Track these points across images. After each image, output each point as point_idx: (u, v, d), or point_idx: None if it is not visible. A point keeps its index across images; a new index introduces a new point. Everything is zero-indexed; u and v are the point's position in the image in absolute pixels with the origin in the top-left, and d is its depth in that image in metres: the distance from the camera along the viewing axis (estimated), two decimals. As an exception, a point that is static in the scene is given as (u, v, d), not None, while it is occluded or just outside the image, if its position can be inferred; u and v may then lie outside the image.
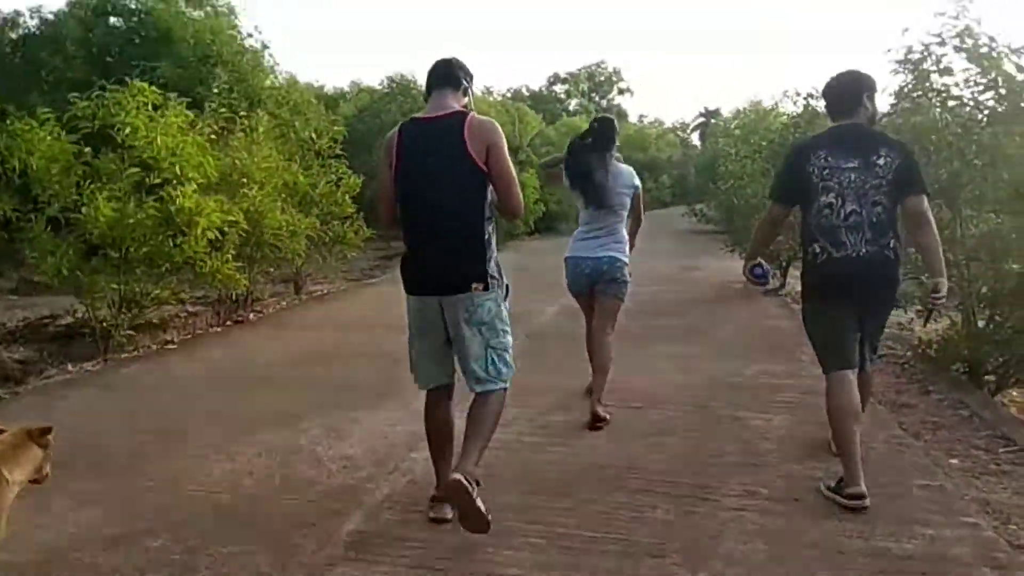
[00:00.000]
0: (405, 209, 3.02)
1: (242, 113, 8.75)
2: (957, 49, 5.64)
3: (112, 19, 13.91)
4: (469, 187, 2.93)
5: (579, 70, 43.44)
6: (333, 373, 5.64)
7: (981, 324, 5.80)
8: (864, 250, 3.29)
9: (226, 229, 6.82)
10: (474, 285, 2.92)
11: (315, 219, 8.44)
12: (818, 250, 3.38)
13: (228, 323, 7.32)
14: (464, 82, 3.12)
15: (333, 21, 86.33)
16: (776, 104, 13.78)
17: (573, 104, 40.19)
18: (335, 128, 9.73)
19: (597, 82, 44.66)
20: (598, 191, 4.47)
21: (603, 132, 4.57)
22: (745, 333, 7.13)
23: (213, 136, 7.44)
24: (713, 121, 41.72)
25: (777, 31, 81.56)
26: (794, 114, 10.22)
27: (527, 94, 39.59)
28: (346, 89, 25.41)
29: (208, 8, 14.73)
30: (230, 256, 6.88)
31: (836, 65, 4.27)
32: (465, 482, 2.70)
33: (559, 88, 41.96)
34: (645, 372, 5.56)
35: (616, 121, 4.87)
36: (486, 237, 2.97)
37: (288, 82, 14.16)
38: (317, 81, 22.70)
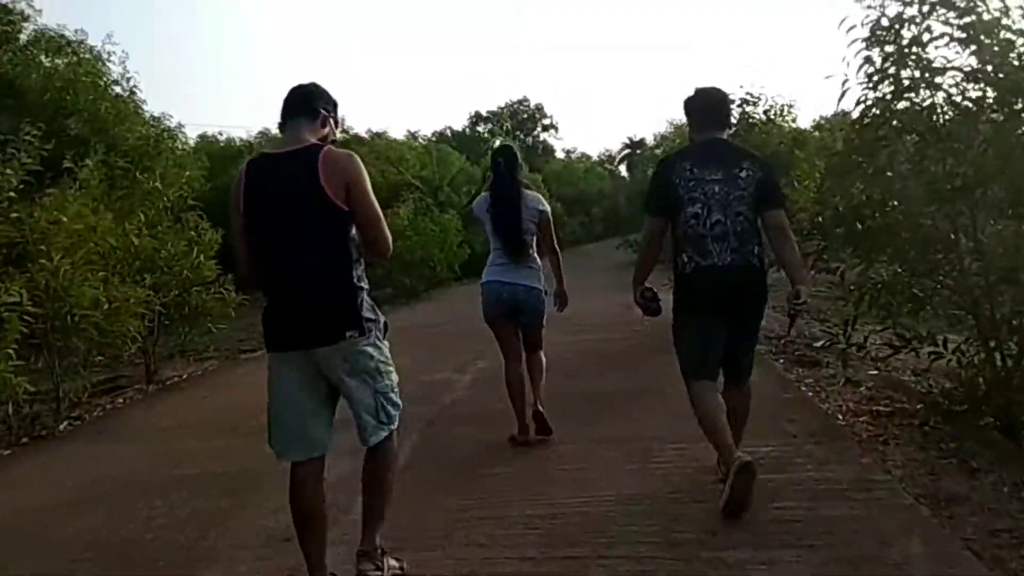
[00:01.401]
0: (259, 257, 2.70)
1: (66, 164, 6.95)
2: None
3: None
4: (328, 228, 2.63)
5: (501, 108, 42.55)
6: (130, 522, 3.76)
7: (1010, 362, 4.37)
8: (729, 259, 3.32)
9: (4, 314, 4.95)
10: (348, 334, 2.62)
11: (148, 290, 6.50)
12: (686, 259, 3.41)
13: (24, 440, 5.33)
14: (323, 111, 2.77)
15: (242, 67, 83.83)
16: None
17: (497, 143, 39.03)
18: (187, 174, 7.91)
19: (520, 120, 43.70)
20: (508, 217, 4.40)
21: (508, 159, 4.49)
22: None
23: (12, 193, 5.62)
24: (639, 151, 41.14)
25: (688, 44, 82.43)
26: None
27: (450, 135, 38.25)
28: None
29: (70, 57, 12.90)
30: (10, 351, 4.97)
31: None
32: None
33: (482, 128, 40.76)
34: (588, 488, 3.81)
35: (516, 147, 4.79)
36: (354, 280, 2.68)
37: (159, 127, 12.21)
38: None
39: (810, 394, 5.52)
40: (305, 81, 2.86)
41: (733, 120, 3.87)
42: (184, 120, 27.16)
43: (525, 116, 43.94)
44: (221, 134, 25.37)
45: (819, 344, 7.40)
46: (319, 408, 2.72)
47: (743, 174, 3.38)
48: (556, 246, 4.66)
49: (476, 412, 5.45)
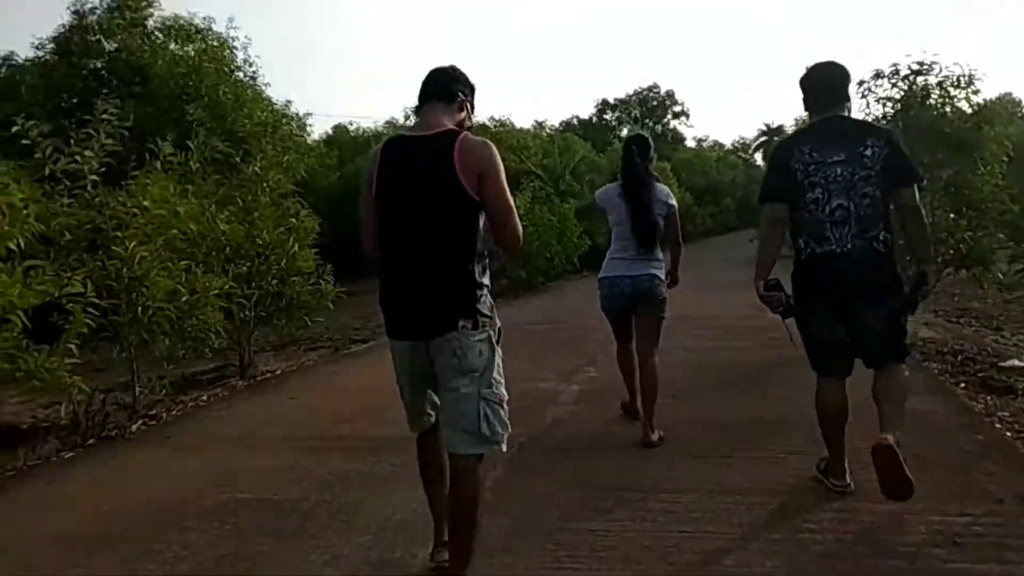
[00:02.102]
0: (382, 238, 2.58)
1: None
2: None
3: (74, 59, 12.13)
4: (456, 217, 2.48)
5: (629, 95, 41.04)
6: (151, 563, 3.14)
7: None
8: (850, 244, 3.15)
9: (67, 306, 4.52)
10: (461, 323, 2.45)
11: (231, 280, 5.98)
12: (802, 245, 3.27)
13: (91, 441, 4.91)
14: (460, 95, 2.66)
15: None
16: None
17: (625, 131, 37.62)
18: (286, 158, 7.43)
19: (650, 107, 42.03)
20: (640, 206, 4.33)
21: (641, 147, 4.44)
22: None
23: (93, 176, 5.24)
24: (776, 138, 38.67)
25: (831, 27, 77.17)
26: (891, 98, 7.35)
27: (577, 124, 37.28)
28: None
29: (198, 43, 12.98)
30: (73, 345, 4.53)
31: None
32: None
33: (610, 116, 39.47)
34: (714, 563, 2.88)
35: (646, 135, 4.71)
36: (475, 274, 2.51)
37: (277, 113, 12.02)
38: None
39: (1008, 434, 4.28)
40: (446, 64, 2.74)
41: (849, 96, 3.39)
42: (322, 111, 28.06)
43: (655, 103, 42.25)
44: (351, 124, 25.73)
45: (1007, 364, 6.02)
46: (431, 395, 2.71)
47: (868, 152, 3.16)
48: (680, 239, 4.61)
49: (578, 436, 4.58)
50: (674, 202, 4.52)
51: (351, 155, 21.92)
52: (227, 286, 5.86)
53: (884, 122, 7.26)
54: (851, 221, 3.16)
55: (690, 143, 43.18)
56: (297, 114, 17.78)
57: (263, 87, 13.49)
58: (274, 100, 13.07)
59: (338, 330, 11.50)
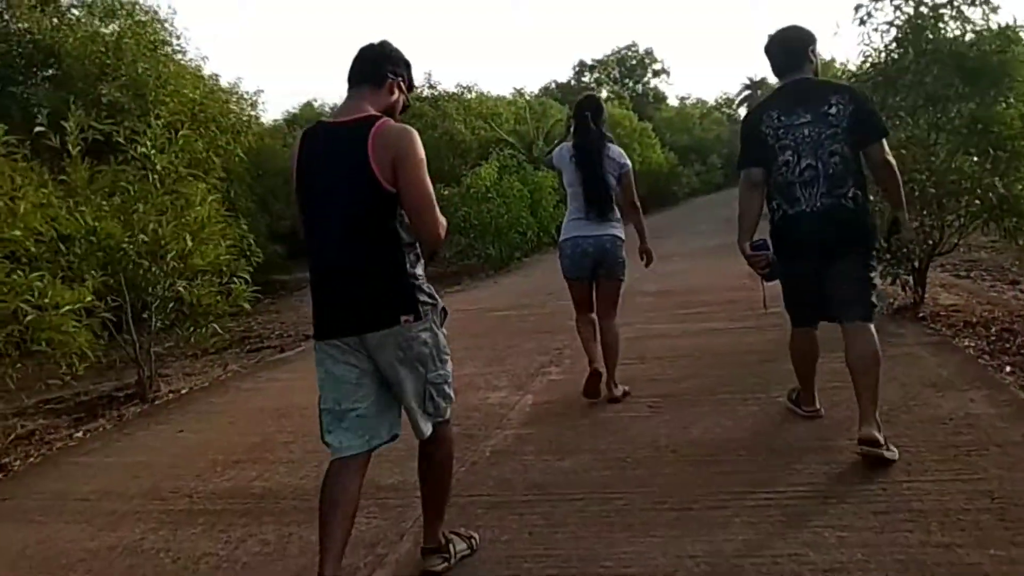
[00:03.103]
0: (307, 233, 2.44)
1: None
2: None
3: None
4: (373, 207, 2.34)
5: (607, 55, 39.38)
6: None
7: None
8: (819, 203, 3.20)
9: None
10: (403, 318, 2.34)
11: (87, 289, 4.71)
12: (775, 207, 3.33)
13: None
14: (390, 76, 2.50)
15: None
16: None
17: (604, 92, 36.11)
18: (181, 134, 6.20)
19: (629, 66, 40.40)
20: (591, 168, 4.27)
21: (593, 109, 4.35)
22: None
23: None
24: (760, 92, 37.26)
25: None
26: (894, 23, 6.09)
27: (556, 88, 35.77)
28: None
29: (124, 19, 11.60)
30: None
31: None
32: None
33: (588, 77, 37.86)
34: None
35: (597, 96, 4.73)
36: (406, 264, 2.38)
37: (208, 89, 10.70)
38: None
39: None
40: (376, 41, 2.58)
41: (812, 58, 3.38)
42: (301, 89, 26.54)
43: (634, 62, 40.58)
44: (316, 100, 24.29)
45: (1055, 335, 4.90)
46: (374, 396, 2.42)
47: (832, 110, 3.20)
48: (636, 201, 4.47)
49: (519, 480, 3.40)
50: (627, 162, 4.39)
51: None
52: (87, 298, 4.62)
53: (886, 53, 6.10)
54: (820, 180, 3.19)
55: (672, 102, 41.73)
56: (243, 92, 16.71)
57: (200, 62, 12.26)
58: (210, 76, 11.79)
59: (293, 325, 10.36)
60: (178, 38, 11.71)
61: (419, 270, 2.44)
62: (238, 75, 31.75)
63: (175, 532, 3.23)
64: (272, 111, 44.92)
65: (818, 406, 3.70)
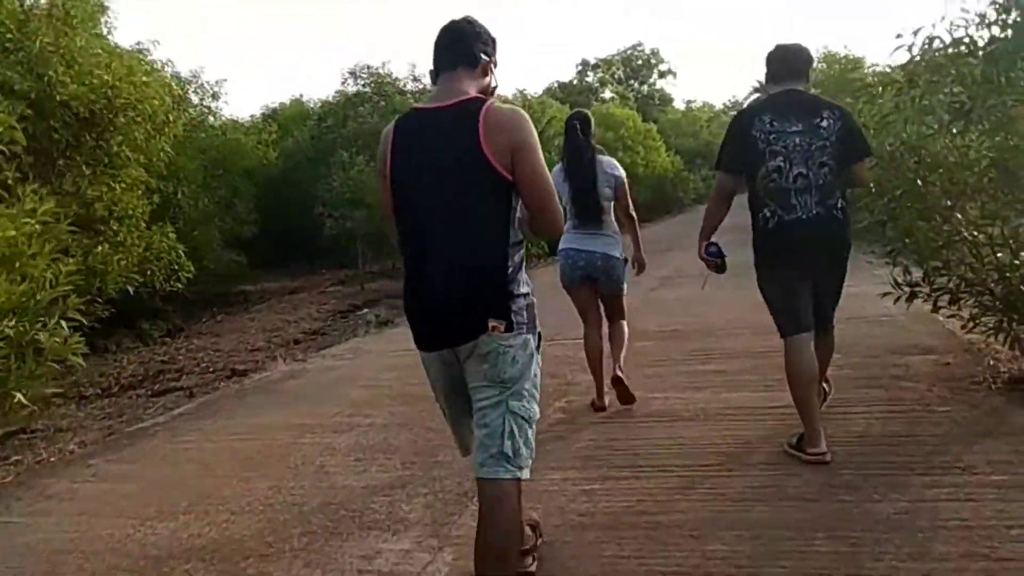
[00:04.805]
0: (401, 228, 2.19)
1: None
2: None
3: None
4: (485, 200, 2.07)
5: (612, 55, 37.31)
6: None
7: None
8: (814, 211, 3.20)
9: None
10: (492, 324, 2.04)
11: None
12: (768, 214, 3.26)
13: None
14: (483, 56, 2.23)
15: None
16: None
17: (608, 92, 34.16)
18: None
19: (634, 67, 38.39)
20: (583, 180, 4.20)
21: (582, 121, 4.31)
22: None
23: None
24: (770, 94, 35.21)
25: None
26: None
27: (558, 88, 33.88)
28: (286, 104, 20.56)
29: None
30: None
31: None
32: None
33: (592, 77, 35.86)
34: None
35: (588, 113, 4.50)
36: (509, 268, 2.09)
37: (136, 70, 8.75)
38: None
39: None
40: (459, 18, 2.28)
41: (809, 74, 3.47)
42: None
43: (639, 63, 38.56)
44: (302, 96, 22.39)
45: None
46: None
47: (824, 123, 3.23)
48: (632, 212, 4.43)
49: None
50: (621, 172, 4.34)
51: (296, 129, 18.76)
52: None
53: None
54: (812, 189, 3.18)
55: (679, 104, 39.79)
56: (203, 81, 14.84)
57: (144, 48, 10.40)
58: (132, 53, 9.87)
59: (225, 355, 8.50)
60: (105, 11, 9.86)
61: (523, 275, 2.16)
62: (200, 64, 29.67)
63: None
64: (253, 107, 42.74)
65: (824, 448, 3.21)
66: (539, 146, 2.09)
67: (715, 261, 3.46)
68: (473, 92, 2.15)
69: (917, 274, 4.35)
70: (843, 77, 13.22)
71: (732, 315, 6.18)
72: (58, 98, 7.67)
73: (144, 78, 8.81)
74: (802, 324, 3.30)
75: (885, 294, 4.41)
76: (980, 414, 3.60)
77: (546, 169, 2.12)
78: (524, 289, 2.14)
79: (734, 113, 5.00)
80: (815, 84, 14.39)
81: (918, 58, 4.26)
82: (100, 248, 7.68)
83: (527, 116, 2.11)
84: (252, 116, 19.88)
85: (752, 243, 3.37)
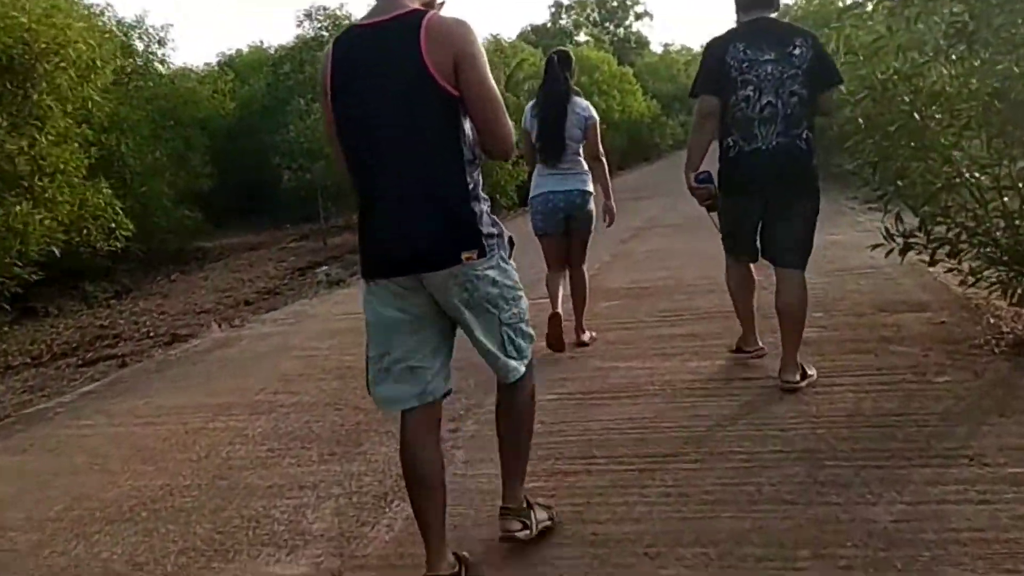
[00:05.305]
0: (348, 155, 2.04)
1: None
2: None
3: None
4: (434, 118, 1.93)
5: (586, -4, 35.91)
6: None
7: None
8: (775, 142, 3.16)
9: None
10: (465, 255, 1.94)
11: None
12: (731, 143, 3.26)
13: None
14: None
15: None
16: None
17: (582, 35, 32.97)
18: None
19: (609, 8, 37.06)
20: (555, 117, 4.11)
21: (561, 58, 4.25)
22: None
23: None
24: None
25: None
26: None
27: (531, 31, 32.67)
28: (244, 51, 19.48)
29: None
30: None
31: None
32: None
33: (566, 20, 34.56)
34: None
35: (571, 53, 4.49)
36: (468, 183, 1.96)
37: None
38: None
39: None
40: None
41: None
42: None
43: (614, 4, 37.21)
44: (262, 43, 21.23)
45: None
46: (432, 344, 2.07)
47: (796, 51, 3.17)
48: (601, 156, 4.30)
49: None
50: (593, 114, 4.24)
51: (254, 77, 17.76)
52: None
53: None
54: (778, 119, 3.15)
55: (656, 48, 38.63)
56: (147, 27, 13.81)
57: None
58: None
59: (170, 318, 7.89)
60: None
61: (482, 194, 2.01)
62: (144, 8, 27.91)
63: None
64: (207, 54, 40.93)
65: (760, 344, 3.62)
66: (483, 56, 1.94)
67: (706, 188, 3.35)
68: (415, 4, 1.98)
69: (911, 222, 3.81)
70: (823, 9, 12.49)
71: (709, 269, 5.56)
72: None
73: (67, 20, 7.95)
74: (742, 248, 3.42)
75: (875, 246, 3.87)
76: (985, 385, 3.10)
77: (493, 83, 1.97)
78: (485, 206, 2.01)
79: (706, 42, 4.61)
80: (791, 17, 13.64)
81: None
82: (20, 207, 6.96)
83: (471, 26, 1.95)
84: (208, 64, 18.85)
85: (718, 171, 3.36)
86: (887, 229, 3.77)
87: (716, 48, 3.30)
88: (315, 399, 3.91)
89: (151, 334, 7.24)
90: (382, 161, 1.97)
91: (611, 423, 3.13)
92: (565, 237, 4.23)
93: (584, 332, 4.30)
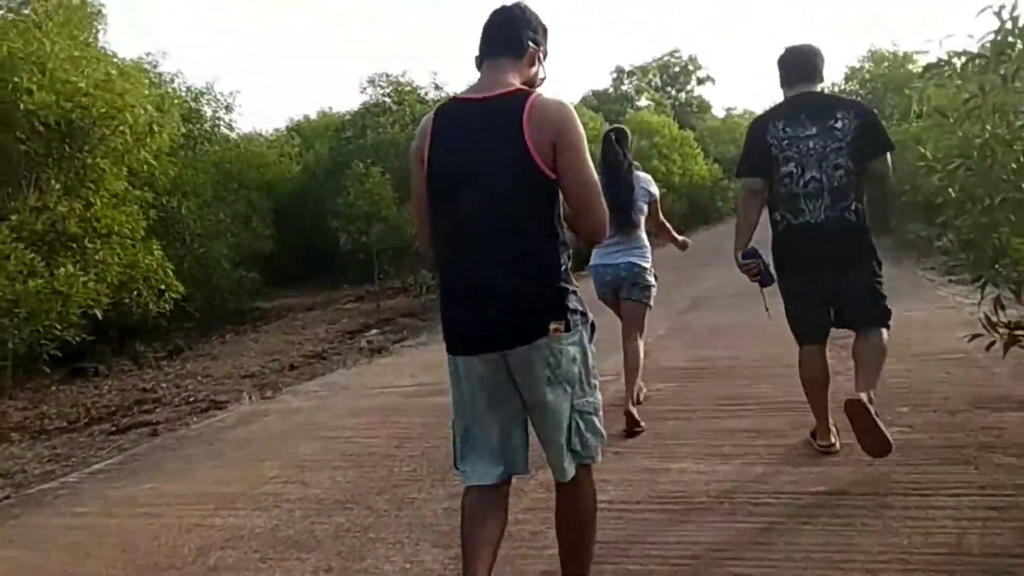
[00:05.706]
0: (439, 230, 2.04)
1: None
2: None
3: None
4: (531, 197, 1.94)
5: (648, 62, 35.86)
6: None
7: None
8: (823, 216, 3.14)
9: None
10: (552, 325, 1.92)
11: None
12: (779, 218, 3.25)
13: None
14: (530, 44, 2.07)
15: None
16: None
17: (644, 100, 32.86)
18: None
19: (672, 74, 36.96)
20: (619, 191, 4.03)
21: (619, 134, 4.25)
22: None
23: None
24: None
25: None
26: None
27: (592, 96, 32.80)
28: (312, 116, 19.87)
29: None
30: None
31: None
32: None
33: (627, 85, 34.56)
34: None
35: (627, 129, 4.47)
36: (560, 264, 1.96)
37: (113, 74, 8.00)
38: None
39: None
40: (509, 2, 2.12)
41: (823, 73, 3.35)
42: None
43: (676, 69, 37.16)
44: (331, 108, 21.75)
45: None
46: (517, 422, 2.05)
47: (839, 124, 3.13)
48: (662, 219, 4.43)
49: None
50: (655, 189, 4.34)
51: (319, 142, 18.07)
52: None
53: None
54: (824, 193, 3.12)
55: (718, 111, 38.27)
56: (216, 94, 14.13)
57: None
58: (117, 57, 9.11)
59: (212, 382, 7.68)
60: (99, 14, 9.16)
61: (572, 278, 2.01)
62: (215, 74, 29.16)
63: None
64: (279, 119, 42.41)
65: (833, 440, 3.31)
66: (584, 140, 1.93)
67: (755, 262, 3.28)
68: (517, 83, 2.01)
69: (1012, 310, 3.23)
70: (892, 74, 12.01)
71: (773, 347, 4.95)
72: (22, 107, 6.95)
73: (125, 86, 8.06)
74: (812, 335, 3.27)
75: (973, 336, 3.29)
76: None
77: (592, 168, 1.97)
78: (574, 285, 2.01)
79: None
80: (862, 85, 13.15)
81: (1009, 25, 3.20)
82: (65, 268, 6.91)
83: (573, 110, 1.95)
84: (277, 129, 19.32)
85: (771, 250, 3.31)
86: (987, 317, 3.20)
87: (756, 128, 3.32)
88: (326, 493, 3.50)
89: (190, 399, 7.02)
90: (473, 236, 1.94)
91: (654, 548, 2.61)
92: (617, 303, 4.24)
93: (636, 402, 4.08)
